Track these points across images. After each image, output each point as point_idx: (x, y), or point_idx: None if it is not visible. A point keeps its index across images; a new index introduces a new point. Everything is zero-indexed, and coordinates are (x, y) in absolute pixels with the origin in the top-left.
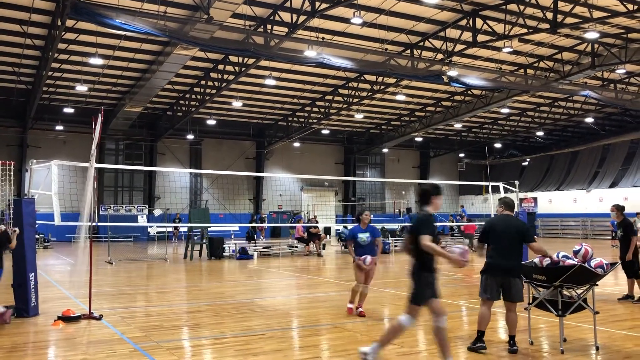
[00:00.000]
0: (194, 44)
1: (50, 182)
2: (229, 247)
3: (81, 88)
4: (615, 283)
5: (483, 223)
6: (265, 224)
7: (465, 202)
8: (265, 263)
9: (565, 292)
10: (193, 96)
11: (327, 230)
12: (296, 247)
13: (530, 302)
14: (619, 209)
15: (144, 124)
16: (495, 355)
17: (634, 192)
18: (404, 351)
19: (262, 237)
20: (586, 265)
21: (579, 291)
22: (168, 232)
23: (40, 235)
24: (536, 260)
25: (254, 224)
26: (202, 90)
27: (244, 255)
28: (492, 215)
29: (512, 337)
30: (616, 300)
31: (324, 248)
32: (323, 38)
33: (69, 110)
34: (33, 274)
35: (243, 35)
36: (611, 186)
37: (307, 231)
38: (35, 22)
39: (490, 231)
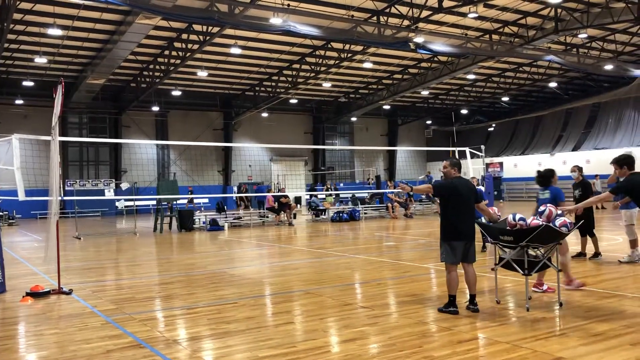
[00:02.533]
0: (156, 12)
1: (11, 158)
2: (199, 219)
3: (40, 60)
4: (577, 242)
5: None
6: (248, 194)
7: (433, 168)
8: (237, 234)
9: (530, 251)
10: (157, 67)
11: (298, 199)
12: (267, 217)
13: (497, 262)
14: (579, 169)
15: (108, 96)
16: (462, 315)
17: (595, 155)
18: (374, 314)
19: (250, 207)
20: (551, 225)
21: (544, 250)
22: (137, 206)
23: (5, 212)
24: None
25: (227, 195)
26: (166, 60)
27: (214, 226)
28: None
29: (473, 297)
30: (580, 259)
31: (294, 217)
32: (288, 5)
33: (28, 83)
34: None
35: (207, 3)
36: (574, 149)
37: (278, 201)
38: None
39: (453, 195)
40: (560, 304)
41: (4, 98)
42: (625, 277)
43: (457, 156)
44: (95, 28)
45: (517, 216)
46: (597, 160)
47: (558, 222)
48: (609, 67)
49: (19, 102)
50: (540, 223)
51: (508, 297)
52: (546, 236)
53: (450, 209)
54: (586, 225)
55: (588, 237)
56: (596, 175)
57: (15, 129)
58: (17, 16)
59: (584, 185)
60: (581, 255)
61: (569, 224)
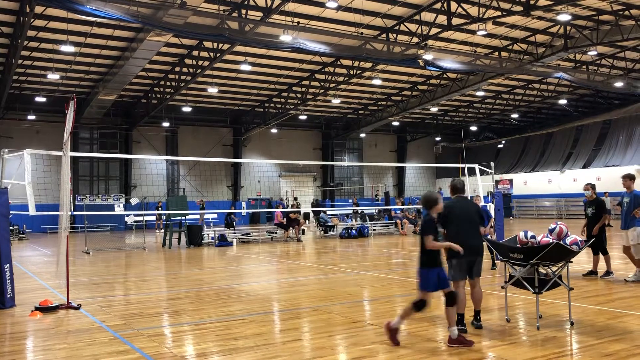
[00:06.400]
0: (168, 29)
1: (23, 173)
2: (208, 234)
3: (53, 76)
4: (588, 260)
5: None
6: (244, 210)
7: (441, 185)
8: (245, 249)
9: (541, 269)
10: (168, 83)
11: (306, 215)
12: (275, 233)
13: (507, 280)
14: (593, 187)
15: (119, 112)
16: (471, 333)
17: (606, 172)
18: (383, 331)
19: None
20: (562, 242)
21: (554, 268)
22: (146, 221)
23: (15, 227)
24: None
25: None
26: (176, 76)
27: (223, 242)
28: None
29: (477, 313)
30: (592, 277)
31: (303, 233)
32: (298, 22)
33: (41, 99)
34: (8, 265)
35: (217, 20)
36: (584, 166)
37: (286, 217)
38: (1, 9)
39: (448, 215)
40: (572, 323)
41: (16, 114)
42: (637, 295)
43: (466, 173)
44: (108, 45)
45: (529, 234)
46: (607, 177)
47: (569, 240)
48: (619, 84)
49: (31, 117)
50: (551, 241)
51: (518, 315)
52: (557, 254)
53: (448, 228)
54: (598, 243)
55: (600, 255)
56: (605, 193)
57: (28, 143)
58: (31, 33)
59: (597, 204)
60: (592, 273)
61: (579, 242)
